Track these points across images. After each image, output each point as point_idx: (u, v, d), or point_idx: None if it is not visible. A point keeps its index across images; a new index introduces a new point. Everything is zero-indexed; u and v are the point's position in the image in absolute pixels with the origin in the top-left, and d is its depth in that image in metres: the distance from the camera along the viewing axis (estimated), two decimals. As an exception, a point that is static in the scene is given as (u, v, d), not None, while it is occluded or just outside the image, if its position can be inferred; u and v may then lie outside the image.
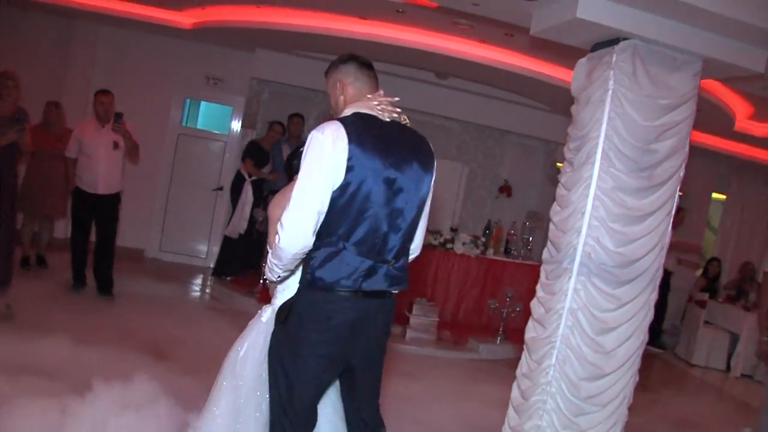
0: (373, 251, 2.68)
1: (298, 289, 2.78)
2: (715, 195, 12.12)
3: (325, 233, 2.64)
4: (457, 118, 10.19)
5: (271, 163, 8.60)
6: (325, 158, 2.55)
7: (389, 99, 2.82)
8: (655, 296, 4.33)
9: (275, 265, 2.75)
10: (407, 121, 2.85)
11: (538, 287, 4.53)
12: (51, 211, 7.84)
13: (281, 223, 2.59)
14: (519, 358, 4.62)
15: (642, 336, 4.30)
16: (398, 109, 2.81)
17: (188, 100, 10.15)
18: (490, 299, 7.94)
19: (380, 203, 2.65)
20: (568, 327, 4.23)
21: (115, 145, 6.74)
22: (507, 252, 8.52)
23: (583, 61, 4.46)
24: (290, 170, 3.35)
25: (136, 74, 9.52)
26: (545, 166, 10.80)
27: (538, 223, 9.35)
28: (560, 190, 4.44)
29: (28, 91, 7.08)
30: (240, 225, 8.36)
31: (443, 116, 10.19)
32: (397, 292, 2.87)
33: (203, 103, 10.81)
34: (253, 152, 8.53)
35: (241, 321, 6.38)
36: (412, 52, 7.75)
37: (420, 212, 2.87)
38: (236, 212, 8.46)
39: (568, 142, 4.44)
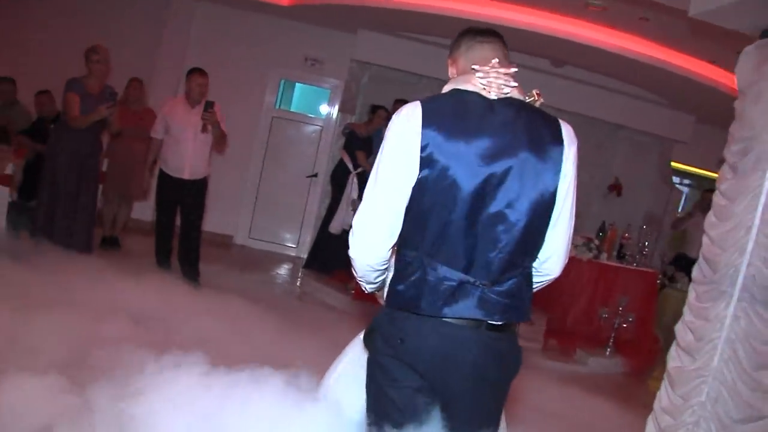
0: (460, 268, 2.06)
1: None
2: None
3: (402, 240, 2.12)
4: (566, 110, 9.22)
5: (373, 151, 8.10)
6: (397, 148, 2.04)
7: (502, 69, 2.13)
8: (827, 328, 3.71)
9: (356, 276, 2.31)
10: (534, 97, 2.20)
11: (686, 309, 3.94)
12: (131, 191, 7.58)
13: (352, 228, 2.15)
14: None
15: (809, 374, 3.69)
16: (513, 83, 2.12)
17: (283, 82, 9.80)
18: (601, 308, 7.29)
19: (468, 205, 2.02)
20: (723, 360, 3.65)
21: (204, 128, 6.31)
22: (620, 257, 7.83)
23: (750, 49, 3.83)
24: None
25: (231, 53, 9.25)
26: (659, 165, 10.05)
27: (656, 226, 8.66)
28: (719, 200, 3.82)
29: (117, 67, 6.92)
30: (345, 220, 7.85)
31: (553, 107, 9.42)
32: (502, 323, 2.14)
33: (298, 86, 10.45)
34: (360, 142, 8.07)
35: (334, 317, 5.86)
36: (533, 36, 7.22)
37: (539, 218, 2.12)
38: (341, 206, 7.98)
39: (729, 143, 3.82)
